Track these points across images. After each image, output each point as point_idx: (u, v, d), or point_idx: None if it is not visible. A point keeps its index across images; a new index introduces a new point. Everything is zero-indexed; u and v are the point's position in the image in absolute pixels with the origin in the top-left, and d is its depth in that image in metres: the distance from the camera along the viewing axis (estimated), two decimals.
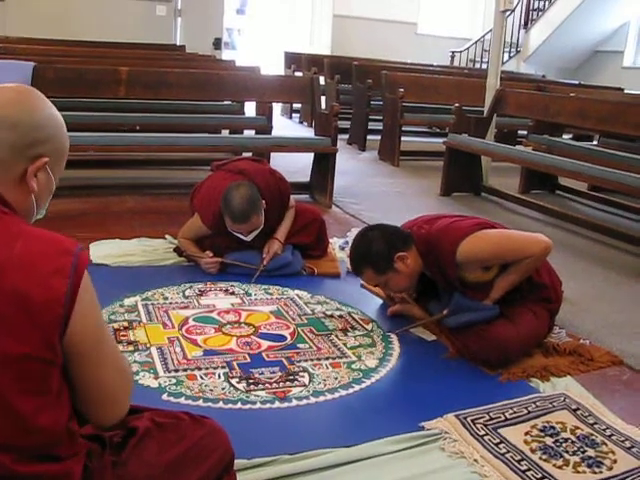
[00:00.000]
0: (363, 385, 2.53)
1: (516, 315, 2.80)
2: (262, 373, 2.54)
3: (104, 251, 3.66)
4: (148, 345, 2.71)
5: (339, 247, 4.07)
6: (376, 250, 2.84)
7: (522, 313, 2.81)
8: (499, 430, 2.25)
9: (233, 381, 2.47)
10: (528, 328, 2.78)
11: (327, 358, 2.72)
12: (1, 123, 1.27)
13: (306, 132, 8.27)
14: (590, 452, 2.17)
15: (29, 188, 1.31)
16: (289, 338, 2.88)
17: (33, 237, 1.25)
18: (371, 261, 2.87)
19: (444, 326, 2.96)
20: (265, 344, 2.80)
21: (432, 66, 10.74)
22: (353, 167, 6.91)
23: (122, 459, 1.41)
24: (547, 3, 13.48)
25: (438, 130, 9.69)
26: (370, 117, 8.21)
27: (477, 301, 2.84)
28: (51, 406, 1.24)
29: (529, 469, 2.06)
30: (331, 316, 3.15)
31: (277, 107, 9.86)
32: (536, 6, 13.76)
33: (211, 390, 2.39)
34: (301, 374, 2.56)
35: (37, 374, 1.21)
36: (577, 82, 10.59)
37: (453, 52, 14.17)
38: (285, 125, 9.41)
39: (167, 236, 4.01)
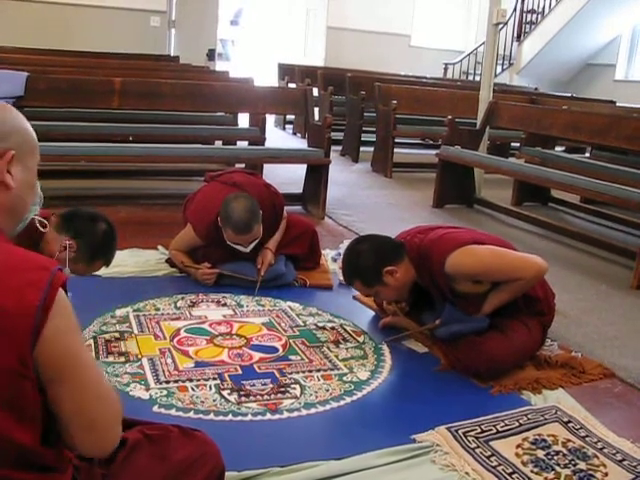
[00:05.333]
0: (354, 397, 2.52)
1: (509, 327, 2.80)
2: (253, 385, 2.53)
3: None
4: (139, 356, 2.70)
5: (331, 259, 4.07)
6: (364, 264, 2.86)
7: (515, 325, 2.82)
8: (491, 443, 2.25)
9: (224, 393, 2.46)
10: (520, 341, 2.79)
11: (319, 370, 2.71)
12: None
13: (299, 143, 8.28)
14: (581, 465, 2.17)
15: (6, 186, 1.30)
16: (281, 350, 2.88)
17: (12, 252, 1.24)
18: (359, 274, 2.90)
19: (436, 338, 2.96)
20: (257, 356, 2.80)
21: (425, 78, 10.78)
22: (346, 178, 6.92)
23: (112, 472, 1.40)
24: (540, 16, 13.55)
25: (431, 142, 9.71)
26: (363, 129, 8.22)
27: (468, 314, 2.85)
28: (29, 421, 1.22)
29: None
30: (323, 328, 3.15)
31: (270, 118, 9.88)
32: (529, 19, 13.83)
33: (202, 402, 2.38)
34: (292, 386, 2.56)
35: (8, 386, 1.19)
36: (569, 95, 10.65)
37: (446, 64, 14.21)
38: (278, 136, 9.42)
39: (159, 247, 4.01)
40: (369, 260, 2.85)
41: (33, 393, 1.21)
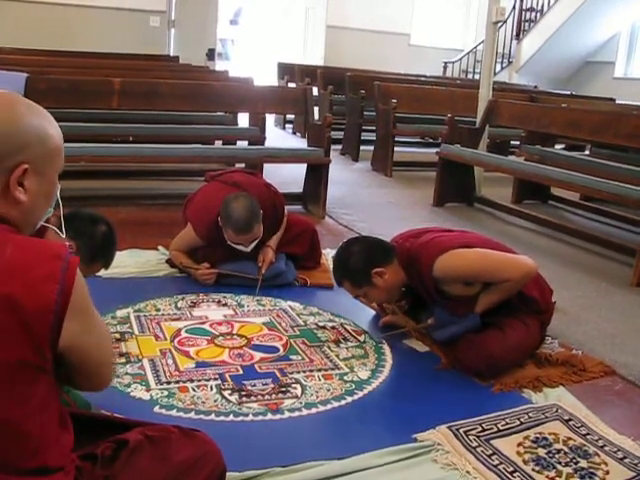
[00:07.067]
0: (355, 397, 2.52)
1: (507, 325, 2.81)
2: (254, 385, 2.54)
3: None
4: (140, 357, 2.70)
5: (332, 258, 4.05)
6: (354, 265, 2.90)
7: (513, 323, 2.82)
8: (492, 441, 2.25)
9: (225, 393, 2.46)
10: (518, 338, 2.79)
11: (319, 370, 2.71)
12: None
13: (299, 143, 8.28)
14: (583, 463, 2.17)
15: (16, 201, 1.29)
16: (281, 350, 2.88)
17: (23, 244, 1.25)
18: (348, 275, 2.94)
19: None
20: (257, 356, 2.80)
21: (425, 77, 10.77)
22: (346, 178, 6.92)
23: (113, 473, 1.41)
24: (539, 14, 13.55)
25: (431, 140, 9.71)
26: (363, 128, 8.22)
27: (457, 315, 2.87)
28: (37, 412, 1.23)
29: None
30: (324, 327, 3.15)
31: (270, 118, 9.87)
32: (528, 17, 13.82)
33: (203, 402, 2.39)
34: (293, 386, 2.56)
35: (24, 379, 1.20)
36: (569, 92, 10.65)
37: (446, 63, 14.22)
38: (278, 136, 9.41)
39: (160, 247, 4.01)
40: (358, 261, 2.89)
41: (50, 382, 1.23)
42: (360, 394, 2.55)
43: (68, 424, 1.36)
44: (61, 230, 1.86)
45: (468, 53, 14.27)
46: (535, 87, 11.44)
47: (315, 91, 7.78)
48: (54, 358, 1.26)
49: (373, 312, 3.35)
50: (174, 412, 2.31)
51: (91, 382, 1.43)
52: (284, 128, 10.54)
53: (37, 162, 1.30)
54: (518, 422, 2.38)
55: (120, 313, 3.11)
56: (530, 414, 2.44)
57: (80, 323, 1.28)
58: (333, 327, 3.16)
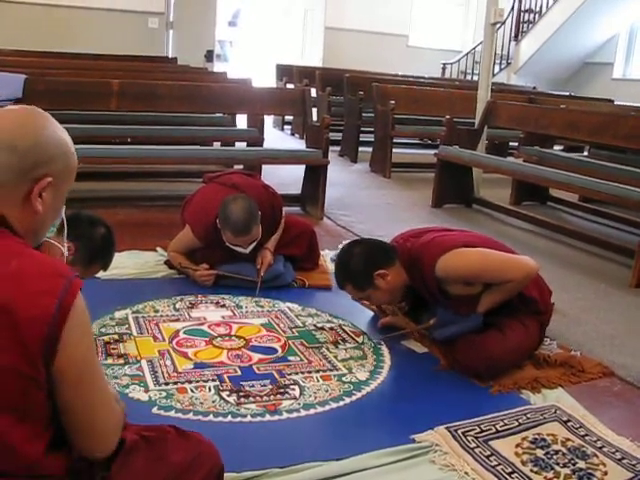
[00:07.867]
0: (354, 398, 2.52)
1: (506, 326, 2.81)
2: (253, 386, 2.53)
3: None
4: (138, 358, 2.70)
5: (330, 259, 4.06)
6: (355, 267, 2.89)
7: (512, 324, 2.82)
8: (490, 442, 2.25)
9: (224, 394, 2.46)
10: (517, 339, 2.79)
11: (318, 371, 2.71)
12: (1, 146, 1.26)
13: (298, 144, 8.28)
14: (581, 464, 2.17)
15: (35, 211, 1.31)
16: (280, 351, 2.88)
17: (31, 258, 1.25)
18: (351, 278, 2.92)
19: (434, 339, 2.97)
20: (256, 357, 2.80)
21: (423, 78, 10.77)
22: (345, 179, 6.92)
23: (110, 474, 1.40)
24: (537, 15, 13.56)
25: (429, 142, 9.71)
26: (362, 129, 8.23)
27: (460, 315, 2.86)
28: (29, 426, 1.22)
29: None
30: (322, 328, 3.15)
31: (269, 119, 9.87)
32: (526, 18, 13.82)
33: (201, 403, 2.38)
34: (292, 387, 2.56)
35: (17, 388, 1.19)
36: (567, 93, 10.65)
37: (444, 64, 14.21)
38: (277, 137, 9.42)
39: (158, 249, 4.01)
40: (361, 263, 2.88)
41: (41, 398, 1.22)
42: (358, 395, 2.55)
43: (62, 445, 1.33)
44: (62, 244, 1.87)
45: (467, 54, 14.26)
46: (534, 88, 11.45)
47: (313, 92, 7.79)
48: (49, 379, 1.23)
49: (371, 313, 3.35)
50: (172, 413, 2.31)
51: (87, 441, 1.33)
52: (282, 129, 10.54)
53: (58, 177, 1.33)
54: (516, 423, 2.38)
55: (118, 314, 3.11)
56: (528, 415, 2.44)
57: (79, 347, 1.25)
58: (331, 328, 3.16)
